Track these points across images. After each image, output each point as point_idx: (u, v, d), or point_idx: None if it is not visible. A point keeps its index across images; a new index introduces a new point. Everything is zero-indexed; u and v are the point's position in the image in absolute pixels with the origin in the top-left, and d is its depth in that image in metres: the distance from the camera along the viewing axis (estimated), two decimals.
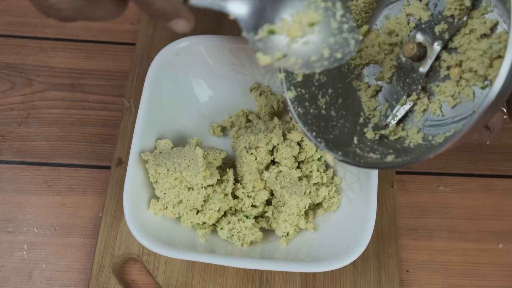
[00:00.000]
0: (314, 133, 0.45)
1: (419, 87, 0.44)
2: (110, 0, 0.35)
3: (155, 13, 0.35)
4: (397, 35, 0.46)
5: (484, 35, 0.40)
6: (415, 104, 0.45)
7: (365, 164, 0.42)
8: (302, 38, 0.35)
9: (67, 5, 0.34)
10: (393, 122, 0.46)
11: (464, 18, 0.41)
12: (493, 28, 0.40)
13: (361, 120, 0.48)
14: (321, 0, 0.35)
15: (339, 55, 0.37)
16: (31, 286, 0.52)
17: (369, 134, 0.46)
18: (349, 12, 0.42)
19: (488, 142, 0.40)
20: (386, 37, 0.47)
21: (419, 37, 0.43)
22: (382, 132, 0.46)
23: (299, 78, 0.46)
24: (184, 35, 0.63)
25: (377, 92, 0.49)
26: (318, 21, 0.35)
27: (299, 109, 0.45)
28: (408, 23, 0.46)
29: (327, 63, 0.36)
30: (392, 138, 0.46)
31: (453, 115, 0.43)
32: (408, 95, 0.45)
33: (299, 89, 0.46)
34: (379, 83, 0.49)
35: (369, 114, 0.48)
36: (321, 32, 0.35)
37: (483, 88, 0.41)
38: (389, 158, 0.41)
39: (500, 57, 0.38)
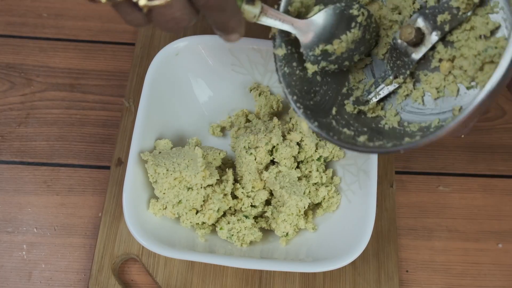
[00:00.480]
0: (295, 97, 0.45)
1: (408, 72, 0.44)
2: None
3: (226, 29, 0.38)
4: (400, 13, 0.46)
5: (484, 36, 0.40)
6: (399, 87, 0.45)
7: (337, 140, 0.42)
8: (344, 52, 0.44)
9: (185, 16, 0.35)
10: (374, 100, 0.46)
11: (469, 13, 0.41)
12: (493, 31, 0.40)
13: (344, 90, 0.47)
14: (364, 19, 0.44)
15: (363, 55, 0.46)
16: (30, 286, 0.52)
17: (349, 107, 0.46)
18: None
19: (462, 136, 0.41)
20: (388, 12, 0.46)
21: (420, 22, 0.42)
22: (362, 107, 0.46)
23: (292, 36, 0.46)
24: (184, 34, 0.63)
25: (366, 65, 0.49)
26: (359, 37, 0.44)
27: (285, 68, 0.45)
28: (414, 3, 0.45)
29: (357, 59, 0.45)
30: (369, 115, 0.46)
31: (432, 107, 0.43)
32: (395, 77, 0.44)
33: (289, 47, 0.45)
34: (371, 57, 0.49)
35: (353, 86, 0.48)
36: (357, 44, 0.44)
37: (468, 88, 0.41)
38: (362, 138, 0.42)
39: (493, 62, 0.38)
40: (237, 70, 0.56)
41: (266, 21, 0.41)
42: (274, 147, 0.51)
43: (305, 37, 0.43)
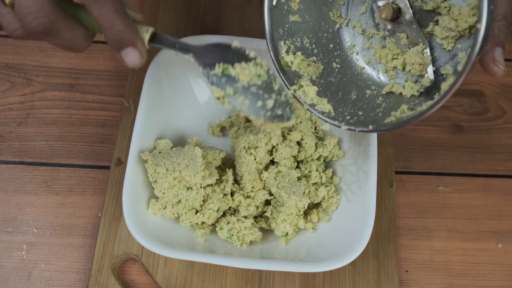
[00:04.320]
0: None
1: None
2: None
3: (112, 37, 0.36)
4: None
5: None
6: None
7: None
8: (250, 83, 0.40)
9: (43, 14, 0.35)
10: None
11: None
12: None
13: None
14: (265, 67, 0.41)
15: (279, 112, 0.41)
16: (30, 286, 0.52)
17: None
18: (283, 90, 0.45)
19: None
20: None
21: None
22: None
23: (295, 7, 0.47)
24: (184, 34, 0.63)
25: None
26: (263, 76, 0.41)
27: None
28: None
29: (269, 115, 0.41)
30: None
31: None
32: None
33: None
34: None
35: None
36: (266, 87, 0.41)
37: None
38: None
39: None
40: None
41: (156, 44, 0.40)
42: (274, 147, 0.51)
43: (202, 59, 0.41)
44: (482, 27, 0.35)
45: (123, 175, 0.54)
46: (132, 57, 0.37)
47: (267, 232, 0.51)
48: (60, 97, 0.61)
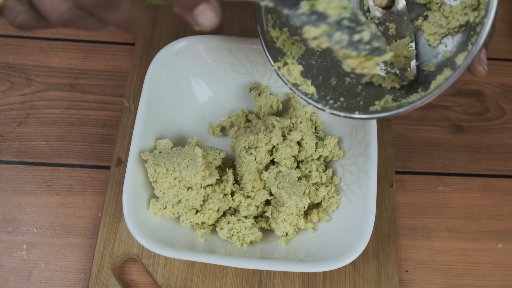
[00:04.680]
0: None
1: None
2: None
3: (132, 27, 0.32)
4: None
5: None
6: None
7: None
8: (340, 16, 0.36)
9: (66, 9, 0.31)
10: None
11: None
12: None
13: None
14: (347, 3, 0.37)
15: (376, 44, 0.37)
16: (30, 286, 0.52)
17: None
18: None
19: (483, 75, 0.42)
20: None
21: None
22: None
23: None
24: (184, 34, 0.63)
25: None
26: (349, 8, 0.36)
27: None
28: None
29: (369, 49, 0.37)
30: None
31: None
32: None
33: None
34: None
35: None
36: (355, 19, 0.36)
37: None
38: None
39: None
40: (237, 70, 0.56)
41: None
42: (274, 147, 0.51)
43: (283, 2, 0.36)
44: (489, 21, 0.35)
45: (123, 175, 0.54)
46: (208, 14, 0.32)
47: (267, 232, 0.51)
48: (60, 97, 0.61)
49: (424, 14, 0.44)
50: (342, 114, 0.42)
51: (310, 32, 0.36)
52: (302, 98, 0.44)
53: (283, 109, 0.57)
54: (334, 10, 0.36)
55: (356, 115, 0.41)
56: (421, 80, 0.43)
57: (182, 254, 0.45)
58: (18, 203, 0.56)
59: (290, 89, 0.44)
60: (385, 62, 0.46)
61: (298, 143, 0.52)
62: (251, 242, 0.50)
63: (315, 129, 0.55)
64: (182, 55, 0.53)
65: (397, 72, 0.45)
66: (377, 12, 0.45)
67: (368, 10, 0.47)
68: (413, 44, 0.44)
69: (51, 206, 0.56)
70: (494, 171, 0.59)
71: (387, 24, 0.45)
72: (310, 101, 0.44)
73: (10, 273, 0.53)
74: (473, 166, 0.60)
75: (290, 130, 0.52)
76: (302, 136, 0.51)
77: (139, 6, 0.32)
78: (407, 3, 0.44)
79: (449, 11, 0.41)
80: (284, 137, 0.51)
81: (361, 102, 0.44)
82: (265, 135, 0.50)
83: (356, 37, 0.36)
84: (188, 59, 0.54)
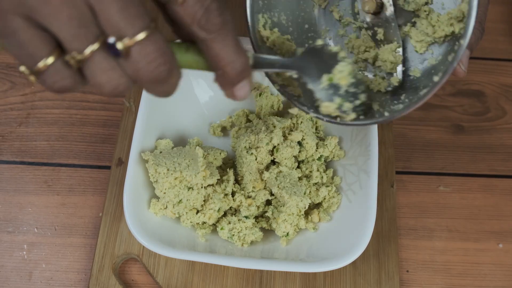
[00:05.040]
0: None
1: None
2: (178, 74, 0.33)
3: (233, 71, 0.32)
4: None
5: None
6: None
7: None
8: (348, 85, 0.39)
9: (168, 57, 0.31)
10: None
11: None
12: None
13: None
14: (344, 54, 0.39)
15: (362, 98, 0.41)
16: (31, 286, 0.52)
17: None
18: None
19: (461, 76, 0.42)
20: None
21: None
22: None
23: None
24: None
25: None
26: (353, 71, 0.39)
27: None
28: None
29: (363, 109, 0.41)
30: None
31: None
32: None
33: None
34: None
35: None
36: (355, 80, 0.39)
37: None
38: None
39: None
40: None
41: (261, 65, 0.37)
42: (275, 147, 0.51)
43: (305, 73, 0.39)
44: (465, 43, 0.35)
45: (124, 175, 0.54)
46: (246, 89, 0.33)
47: (268, 232, 0.51)
48: (60, 97, 0.61)
49: (413, 20, 0.44)
50: (325, 118, 0.42)
51: (329, 108, 0.39)
52: (289, 99, 0.44)
53: (284, 109, 0.57)
54: (345, 80, 0.39)
55: (338, 120, 0.41)
56: (406, 86, 0.43)
57: (182, 254, 0.45)
58: (18, 203, 0.56)
59: (278, 90, 0.44)
60: (373, 65, 0.47)
61: (299, 143, 0.52)
62: (252, 242, 0.50)
63: (316, 129, 0.55)
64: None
65: (384, 76, 0.45)
66: (366, 17, 0.46)
67: (358, 13, 0.47)
68: (400, 50, 0.44)
69: (52, 206, 0.56)
70: (494, 171, 0.59)
71: (375, 29, 0.45)
72: (296, 103, 0.43)
73: (10, 273, 0.53)
74: (473, 166, 0.60)
75: (291, 130, 0.52)
76: (303, 136, 0.51)
77: (178, 77, 0.33)
78: (395, 9, 0.44)
79: (436, 20, 0.41)
80: (284, 137, 0.51)
81: None
82: (265, 135, 0.50)
83: (357, 102, 0.40)
84: None
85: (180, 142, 0.55)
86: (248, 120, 0.57)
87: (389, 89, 0.44)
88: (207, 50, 0.32)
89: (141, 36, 0.29)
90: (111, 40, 0.29)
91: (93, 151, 0.59)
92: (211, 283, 0.51)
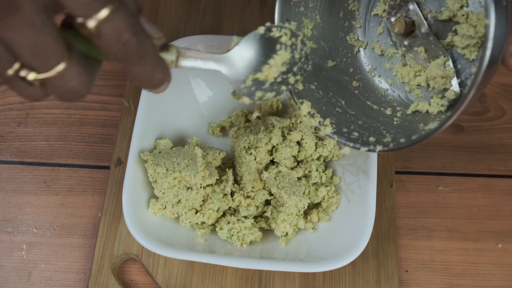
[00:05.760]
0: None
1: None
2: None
3: (153, 82, 0.34)
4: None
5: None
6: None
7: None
8: (277, 77, 0.40)
9: (82, 85, 0.31)
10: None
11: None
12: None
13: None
14: (288, 39, 0.39)
15: (298, 77, 0.41)
16: (30, 286, 0.52)
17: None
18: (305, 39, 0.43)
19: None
20: None
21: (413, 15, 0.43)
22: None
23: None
24: (184, 34, 0.63)
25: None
26: (288, 59, 0.40)
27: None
28: None
29: (291, 86, 0.41)
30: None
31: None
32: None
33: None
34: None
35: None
36: (289, 66, 0.40)
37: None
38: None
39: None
40: None
41: (186, 64, 0.37)
42: (274, 147, 0.51)
43: (232, 71, 0.39)
44: (489, 47, 0.33)
45: (123, 175, 0.54)
46: (163, 89, 0.35)
47: (267, 232, 0.51)
48: None
49: (453, 29, 0.42)
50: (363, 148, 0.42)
51: (245, 101, 0.40)
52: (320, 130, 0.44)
53: (283, 109, 0.57)
54: (274, 74, 0.39)
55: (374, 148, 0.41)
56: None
57: (182, 254, 0.45)
58: (18, 203, 0.56)
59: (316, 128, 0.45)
60: (428, 86, 0.45)
61: (298, 143, 0.52)
62: (251, 242, 0.50)
63: (315, 129, 0.55)
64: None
65: (441, 94, 0.43)
66: (403, 40, 0.44)
67: (397, 41, 0.46)
68: (450, 62, 0.42)
69: (51, 206, 0.56)
70: (494, 171, 0.59)
71: (415, 49, 0.44)
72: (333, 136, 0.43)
73: (10, 273, 0.53)
74: (473, 166, 0.60)
75: (290, 130, 0.52)
76: (302, 136, 0.51)
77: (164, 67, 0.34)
78: (430, 24, 0.43)
79: (476, 20, 0.39)
80: (284, 137, 0.51)
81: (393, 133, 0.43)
82: (265, 135, 0.50)
83: (283, 88, 0.41)
84: None
85: (179, 142, 0.55)
86: (247, 120, 0.57)
87: (447, 104, 0.41)
88: (126, 69, 0.32)
89: (45, 74, 0.29)
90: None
91: (92, 151, 0.59)
92: (210, 283, 0.51)
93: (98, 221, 0.54)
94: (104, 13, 0.28)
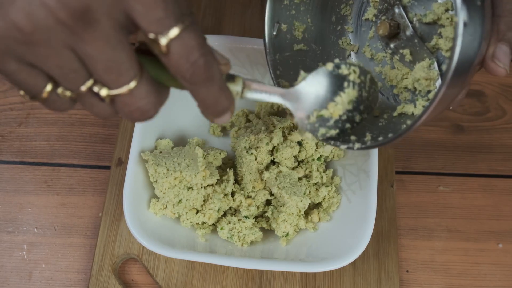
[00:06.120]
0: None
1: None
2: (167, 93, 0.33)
3: (217, 108, 0.33)
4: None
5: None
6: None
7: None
8: (342, 115, 0.40)
9: (150, 105, 0.31)
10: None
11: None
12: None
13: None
14: (356, 77, 0.39)
15: (365, 115, 0.41)
16: (31, 286, 0.52)
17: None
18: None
19: (451, 108, 0.40)
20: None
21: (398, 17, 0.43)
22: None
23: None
24: None
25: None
26: (354, 97, 0.40)
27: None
28: None
29: (356, 124, 0.41)
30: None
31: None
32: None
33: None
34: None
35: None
36: (355, 105, 0.40)
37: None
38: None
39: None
40: (237, 70, 0.56)
41: (252, 96, 0.36)
42: (274, 147, 0.51)
43: (297, 106, 0.39)
44: (456, 53, 0.32)
45: (123, 175, 0.54)
46: (227, 119, 0.34)
47: (267, 232, 0.51)
48: None
49: (438, 31, 0.42)
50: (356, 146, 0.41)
51: (309, 139, 0.43)
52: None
53: (284, 109, 0.57)
54: (339, 111, 0.39)
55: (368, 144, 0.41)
56: None
57: (182, 254, 0.45)
58: (18, 203, 0.56)
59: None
60: (415, 89, 0.45)
61: (299, 143, 0.52)
62: (252, 242, 0.50)
63: None
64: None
65: (425, 96, 0.43)
66: (389, 42, 0.45)
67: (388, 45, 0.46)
68: (435, 65, 0.42)
69: (52, 206, 0.56)
70: (494, 171, 0.59)
71: (401, 51, 0.44)
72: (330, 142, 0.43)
73: (10, 273, 0.53)
74: (473, 166, 0.60)
75: (291, 130, 0.52)
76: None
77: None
78: (415, 27, 0.43)
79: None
80: (284, 137, 0.51)
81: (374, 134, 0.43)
82: (265, 135, 0.50)
83: (347, 125, 0.41)
84: None
85: (180, 142, 0.55)
86: (248, 120, 0.57)
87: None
88: (191, 93, 0.32)
89: (116, 91, 0.30)
90: (95, 89, 0.30)
91: (93, 151, 0.59)
92: (211, 283, 0.51)
93: (99, 221, 0.54)
94: (175, 31, 0.28)
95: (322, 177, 0.51)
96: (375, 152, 0.48)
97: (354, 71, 0.39)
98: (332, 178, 0.52)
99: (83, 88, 0.30)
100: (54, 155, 0.58)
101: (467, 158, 0.60)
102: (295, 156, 0.52)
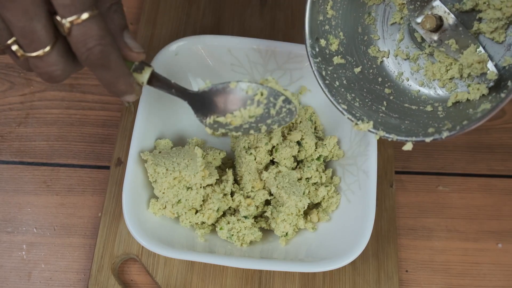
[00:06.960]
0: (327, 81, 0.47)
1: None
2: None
3: (114, 90, 0.38)
4: None
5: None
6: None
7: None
8: (242, 124, 0.43)
9: (59, 72, 0.36)
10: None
11: None
12: None
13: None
14: (263, 98, 0.42)
15: (275, 126, 0.44)
16: (30, 286, 0.52)
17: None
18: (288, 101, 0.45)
19: None
20: None
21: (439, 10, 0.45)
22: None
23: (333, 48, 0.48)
24: (184, 34, 0.63)
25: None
26: (258, 114, 0.43)
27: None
28: None
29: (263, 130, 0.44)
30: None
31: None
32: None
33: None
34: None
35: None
36: (261, 118, 0.43)
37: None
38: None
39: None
40: (236, 70, 0.56)
41: (158, 88, 0.41)
42: (274, 147, 0.51)
43: (197, 107, 0.43)
44: None
45: (123, 175, 0.54)
46: (128, 99, 0.39)
47: (267, 232, 0.51)
48: (60, 97, 0.61)
49: (477, 17, 0.44)
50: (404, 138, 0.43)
51: (207, 131, 0.44)
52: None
53: None
54: (237, 121, 0.43)
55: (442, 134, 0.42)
56: (505, 77, 0.42)
57: (182, 254, 0.45)
58: (18, 203, 0.56)
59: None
60: (461, 78, 0.46)
61: (298, 143, 0.52)
62: (251, 242, 0.50)
63: (315, 129, 0.55)
64: (182, 55, 0.53)
65: (479, 80, 0.45)
66: (432, 36, 0.46)
67: (423, 40, 0.47)
68: (481, 49, 0.44)
69: (51, 206, 0.56)
70: (494, 171, 0.59)
71: (446, 42, 0.45)
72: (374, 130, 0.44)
73: (10, 273, 0.53)
74: (473, 166, 0.60)
75: (290, 130, 0.52)
76: (302, 136, 0.51)
77: (128, 77, 0.38)
78: (455, 16, 0.44)
79: (500, 2, 0.41)
80: (284, 137, 0.51)
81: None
82: (265, 135, 0.50)
83: (251, 132, 0.44)
84: (188, 59, 0.54)
85: (179, 142, 0.55)
86: None
87: (492, 84, 0.43)
88: (90, 71, 0.37)
89: (29, 54, 0.34)
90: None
91: (92, 151, 0.59)
92: (211, 283, 0.51)
93: (98, 221, 0.54)
94: (76, 18, 0.33)
95: (321, 177, 0.51)
96: (374, 152, 0.48)
97: (262, 93, 0.42)
98: (331, 178, 0.52)
99: (6, 43, 0.35)
100: (53, 155, 0.58)
101: (467, 158, 0.60)
102: (294, 156, 0.52)
